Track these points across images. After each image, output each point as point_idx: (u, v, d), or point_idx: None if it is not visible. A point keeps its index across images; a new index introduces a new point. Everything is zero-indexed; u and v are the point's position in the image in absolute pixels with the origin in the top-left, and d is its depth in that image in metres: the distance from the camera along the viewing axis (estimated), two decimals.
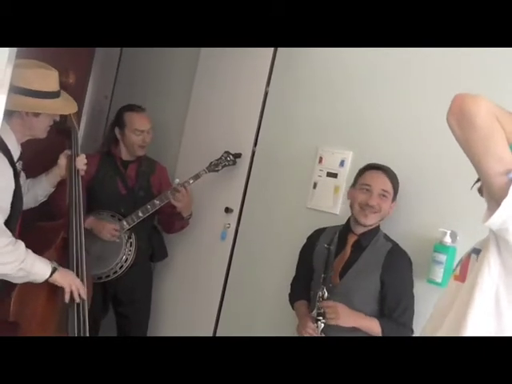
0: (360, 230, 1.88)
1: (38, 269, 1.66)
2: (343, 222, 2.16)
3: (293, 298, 2.05)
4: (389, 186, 1.84)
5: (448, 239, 1.78)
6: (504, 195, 0.91)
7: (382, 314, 1.80)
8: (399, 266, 1.81)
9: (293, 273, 2.30)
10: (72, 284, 1.76)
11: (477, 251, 1.08)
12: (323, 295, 1.75)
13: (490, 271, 0.98)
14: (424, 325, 1.20)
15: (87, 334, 1.76)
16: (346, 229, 1.93)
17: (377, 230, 1.90)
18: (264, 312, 2.39)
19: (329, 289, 1.76)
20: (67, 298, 1.76)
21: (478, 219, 1.77)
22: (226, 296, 2.53)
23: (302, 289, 2.00)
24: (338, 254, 1.88)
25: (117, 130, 2.48)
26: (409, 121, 2.02)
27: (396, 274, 1.79)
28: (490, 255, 0.99)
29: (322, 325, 1.74)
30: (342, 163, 2.17)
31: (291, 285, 2.10)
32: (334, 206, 2.17)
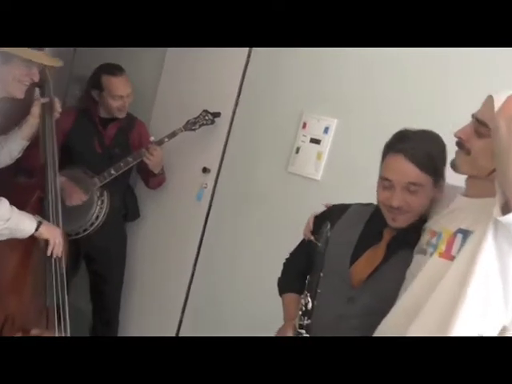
0: (402, 225, 1.35)
1: (24, 225, 1.62)
2: (325, 188, 2.19)
3: (282, 286, 1.58)
4: (416, 175, 1.27)
5: None
6: None
7: None
8: None
9: (272, 235, 2.33)
10: (56, 238, 1.72)
11: (463, 232, 1.12)
12: (306, 304, 1.33)
13: (486, 254, 1.04)
14: (402, 297, 1.22)
15: (65, 297, 1.73)
16: (381, 218, 1.36)
17: (423, 221, 1.34)
18: (239, 275, 2.41)
19: (314, 296, 1.33)
20: (50, 251, 1.72)
21: None
22: (200, 257, 2.53)
23: (296, 276, 1.46)
24: (363, 251, 1.38)
25: (94, 92, 2.37)
26: (396, 90, 2.00)
27: None
28: (489, 239, 1.04)
29: None
30: (326, 130, 2.15)
31: (284, 265, 1.61)
32: (315, 172, 2.17)
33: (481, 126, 1.12)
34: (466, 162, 1.17)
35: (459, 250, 1.10)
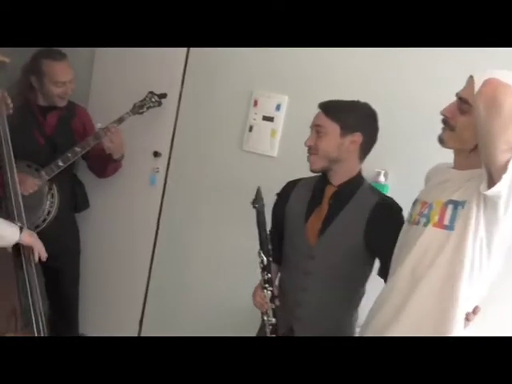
0: (338, 180, 1.58)
1: (6, 232, 1.58)
2: (282, 164, 2.24)
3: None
4: (321, 118, 1.56)
5: (382, 178, 1.97)
6: (504, 170, 1.08)
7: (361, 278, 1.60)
8: (387, 221, 1.50)
9: (231, 215, 2.36)
10: (38, 243, 1.70)
11: (454, 202, 1.24)
12: (262, 261, 1.53)
13: (478, 222, 1.17)
14: (399, 263, 1.32)
15: (39, 298, 1.68)
16: (323, 179, 1.61)
17: (360, 179, 1.60)
18: (198, 257, 2.43)
19: (267, 252, 1.53)
20: (36, 257, 1.71)
21: (404, 160, 1.99)
22: (157, 243, 2.51)
23: (274, 251, 1.61)
24: (313, 210, 1.60)
25: (33, 79, 2.21)
26: (345, 65, 2.08)
27: (384, 232, 1.48)
28: (481, 209, 1.17)
29: (269, 293, 1.55)
30: (278, 107, 2.20)
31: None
32: (271, 149, 2.23)
33: (463, 103, 1.24)
34: (451, 138, 1.28)
35: (450, 219, 1.22)
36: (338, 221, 1.54)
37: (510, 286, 1.68)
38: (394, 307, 1.27)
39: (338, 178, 1.58)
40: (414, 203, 1.39)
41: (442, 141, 1.31)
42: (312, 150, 1.57)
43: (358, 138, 1.54)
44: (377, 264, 1.61)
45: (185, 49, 2.38)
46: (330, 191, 1.59)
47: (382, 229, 1.50)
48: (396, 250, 1.38)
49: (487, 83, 1.08)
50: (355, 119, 1.55)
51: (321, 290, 1.57)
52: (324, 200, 1.59)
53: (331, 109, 1.55)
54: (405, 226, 1.39)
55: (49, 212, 2.21)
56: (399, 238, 1.39)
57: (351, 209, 1.55)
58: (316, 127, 1.56)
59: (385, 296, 1.33)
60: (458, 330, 1.23)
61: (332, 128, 1.53)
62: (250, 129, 2.26)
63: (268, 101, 2.22)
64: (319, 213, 1.59)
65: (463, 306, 1.22)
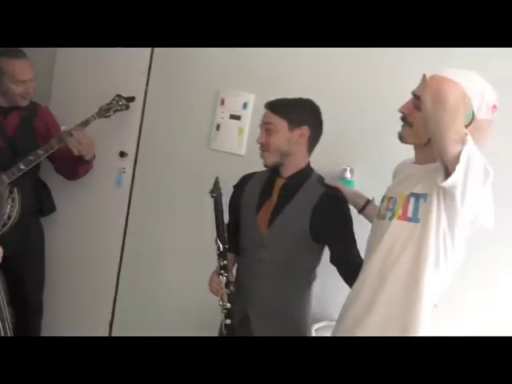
0: (288, 173, 1.67)
1: None
2: (249, 162, 2.24)
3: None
4: (270, 118, 1.63)
5: (348, 174, 2.00)
6: (456, 161, 1.12)
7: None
8: (332, 211, 1.60)
9: (199, 213, 2.35)
10: None
11: (415, 195, 1.27)
12: (219, 248, 1.60)
13: (439, 214, 1.20)
14: (368, 258, 1.35)
15: (4, 299, 1.63)
16: (274, 173, 1.70)
17: (308, 171, 1.69)
18: (167, 257, 2.40)
19: (223, 239, 1.60)
20: None
21: (370, 156, 2.03)
22: (125, 244, 2.48)
23: (231, 241, 1.71)
24: (264, 202, 1.68)
25: None
26: (311, 65, 2.09)
27: (329, 221, 1.58)
28: (441, 201, 1.21)
29: (225, 279, 1.62)
30: (244, 106, 2.20)
31: None
32: (238, 148, 2.23)
33: (418, 100, 1.28)
34: (410, 134, 1.33)
35: (413, 211, 1.25)
36: (286, 211, 1.63)
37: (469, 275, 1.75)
38: (365, 302, 1.30)
39: (288, 170, 1.67)
40: (382, 200, 1.41)
41: (401, 137, 1.36)
42: (264, 147, 1.66)
43: (305, 131, 1.64)
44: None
45: (149, 50, 2.35)
46: (279, 183, 1.68)
47: (326, 218, 1.59)
48: (366, 246, 1.41)
49: (431, 79, 1.13)
50: (301, 114, 1.65)
51: (273, 277, 1.65)
52: (274, 191, 1.68)
53: (278, 107, 1.64)
54: (374, 222, 1.42)
55: (9, 216, 2.16)
56: (369, 234, 1.43)
57: (299, 199, 1.63)
58: (265, 125, 1.65)
59: (356, 291, 1.36)
60: (426, 319, 1.26)
61: (280, 124, 1.62)
62: (218, 127, 2.26)
63: (235, 99, 2.21)
64: (269, 204, 1.68)
65: (429, 296, 1.25)
